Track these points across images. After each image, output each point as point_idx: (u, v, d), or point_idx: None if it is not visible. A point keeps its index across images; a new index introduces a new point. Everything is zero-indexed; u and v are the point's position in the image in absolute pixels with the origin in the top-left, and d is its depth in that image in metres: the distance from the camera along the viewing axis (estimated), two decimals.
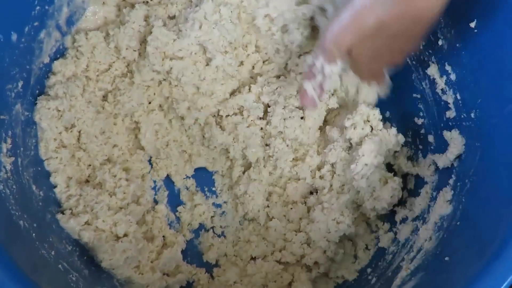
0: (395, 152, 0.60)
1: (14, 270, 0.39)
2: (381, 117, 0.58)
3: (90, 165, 0.57)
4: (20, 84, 0.50)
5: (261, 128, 0.60)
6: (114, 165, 0.57)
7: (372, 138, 0.56)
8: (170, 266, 0.57)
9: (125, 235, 0.54)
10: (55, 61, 0.55)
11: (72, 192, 0.54)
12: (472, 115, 0.52)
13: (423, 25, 0.48)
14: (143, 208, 0.58)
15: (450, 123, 0.55)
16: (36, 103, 0.53)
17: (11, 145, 0.49)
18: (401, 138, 0.58)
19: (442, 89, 0.56)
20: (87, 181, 0.57)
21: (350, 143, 0.58)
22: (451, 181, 0.53)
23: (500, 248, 0.43)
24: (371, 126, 0.57)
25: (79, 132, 0.57)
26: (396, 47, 0.51)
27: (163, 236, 0.59)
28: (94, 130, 0.57)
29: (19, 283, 0.39)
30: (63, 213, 0.53)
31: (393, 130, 0.58)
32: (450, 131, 0.55)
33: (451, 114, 0.55)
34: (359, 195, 0.58)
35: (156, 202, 0.61)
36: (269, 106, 0.59)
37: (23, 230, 0.45)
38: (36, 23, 0.50)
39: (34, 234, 0.46)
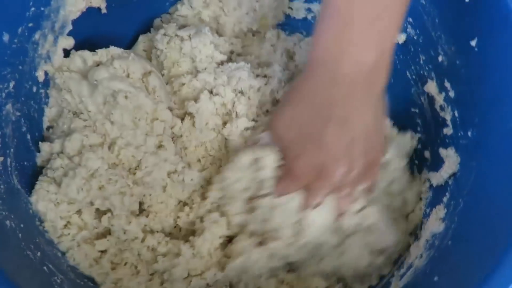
0: None
1: None
2: None
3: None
4: (12, 84, 0.49)
5: None
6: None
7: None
8: None
9: None
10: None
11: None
12: (469, 133, 0.51)
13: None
14: None
15: (447, 140, 0.54)
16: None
17: (0, 145, 0.48)
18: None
19: (440, 106, 0.55)
20: None
21: None
22: (444, 199, 0.53)
23: (490, 274, 0.42)
24: None
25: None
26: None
27: None
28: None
29: None
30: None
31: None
32: (446, 149, 0.54)
33: (448, 131, 0.54)
34: None
35: None
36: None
37: (9, 230, 0.45)
38: (30, 24, 0.49)
39: (20, 235, 0.46)
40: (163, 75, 0.59)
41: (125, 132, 0.53)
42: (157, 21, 0.66)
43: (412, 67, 0.58)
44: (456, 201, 0.51)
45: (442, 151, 0.54)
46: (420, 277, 0.50)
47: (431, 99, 0.56)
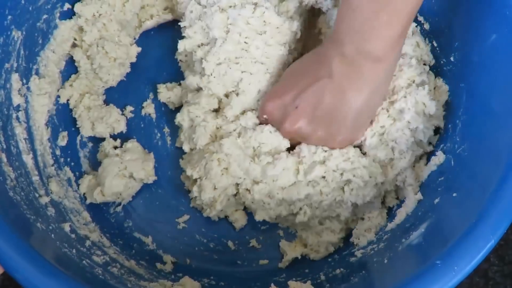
0: None
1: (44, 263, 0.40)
2: None
3: None
4: None
5: None
6: None
7: None
8: None
9: None
10: None
11: None
12: (452, 58, 0.54)
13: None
14: None
15: (430, 71, 0.57)
16: None
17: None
18: None
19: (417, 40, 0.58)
20: None
21: None
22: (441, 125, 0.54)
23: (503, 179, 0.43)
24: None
25: None
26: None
27: None
28: None
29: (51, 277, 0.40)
30: None
31: None
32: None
33: (430, 62, 0.57)
34: None
35: None
36: None
37: (41, 232, 0.46)
38: None
39: (52, 235, 0.47)
40: None
41: None
42: None
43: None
44: (453, 124, 0.53)
45: None
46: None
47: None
